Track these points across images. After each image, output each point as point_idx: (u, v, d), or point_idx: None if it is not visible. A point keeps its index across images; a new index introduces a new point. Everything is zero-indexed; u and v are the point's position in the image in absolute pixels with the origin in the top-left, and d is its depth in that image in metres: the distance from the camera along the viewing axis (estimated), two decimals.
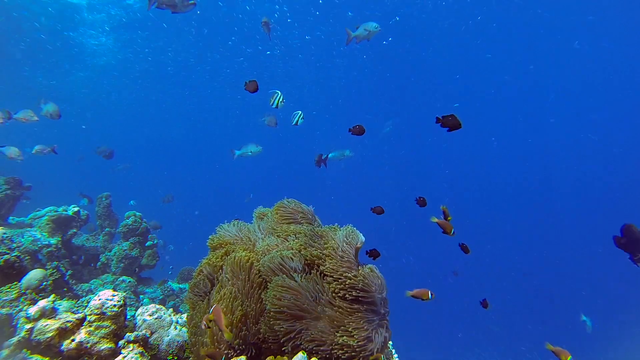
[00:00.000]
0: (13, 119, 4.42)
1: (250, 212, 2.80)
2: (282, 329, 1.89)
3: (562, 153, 20.38)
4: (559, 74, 14.99)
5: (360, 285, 1.97)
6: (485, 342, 12.28)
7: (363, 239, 2.21)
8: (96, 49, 13.78)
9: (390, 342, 2.98)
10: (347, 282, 1.97)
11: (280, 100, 3.61)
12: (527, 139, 20.38)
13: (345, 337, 1.84)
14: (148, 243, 5.35)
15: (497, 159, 22.13)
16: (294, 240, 2.26)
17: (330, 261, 2.07)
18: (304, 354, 1.79)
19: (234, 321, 1.93)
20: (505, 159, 21.82)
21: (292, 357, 1.82)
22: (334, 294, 1.98)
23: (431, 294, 2.37)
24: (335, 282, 2.00)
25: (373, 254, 2.71)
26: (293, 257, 2.10)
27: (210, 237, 2.52)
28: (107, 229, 5.51)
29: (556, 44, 13.22)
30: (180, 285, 5.38)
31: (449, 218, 2.78)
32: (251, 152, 5.89)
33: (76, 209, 4.96)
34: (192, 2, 3.25)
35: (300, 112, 3.90)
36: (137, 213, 5.44)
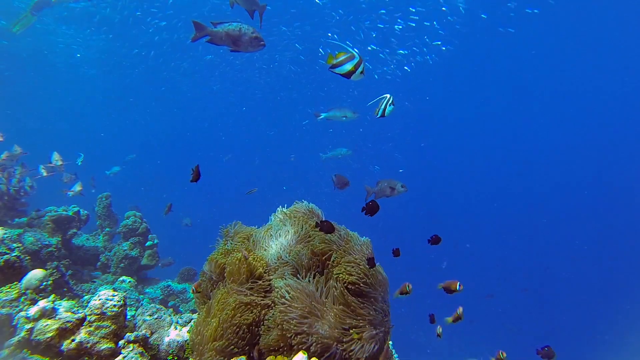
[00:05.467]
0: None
1: (258, 215, 2.82)
2: (289, 326, 1.89)
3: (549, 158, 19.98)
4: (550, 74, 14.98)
5: (369, 281, 2.02)
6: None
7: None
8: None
9: (390, 342, 2.98)
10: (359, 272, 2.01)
11: (390, 102, 2.70)
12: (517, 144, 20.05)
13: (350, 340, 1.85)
14: (148, 243, 5.36)
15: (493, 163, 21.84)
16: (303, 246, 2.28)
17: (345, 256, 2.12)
18: (304, 353, 1.79)
19: (239, 324, 1.94)
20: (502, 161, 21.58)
21: (292, 357, 1.81)
22: (342, 290, 2.00)
23: (459, 285, 2.31)
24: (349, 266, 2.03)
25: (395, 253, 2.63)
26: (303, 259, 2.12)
27: (226, 231, 2.54)
28: (107, 229, 5.52)
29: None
30: (180, 285, 5.38)
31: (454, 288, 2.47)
32: (345, 117, 4.58)
33: (76, 209, 4.96)
34: (263, 43, 2.59)
35: (389, 95, 2.68)
36: (137, 213, 5.43)
